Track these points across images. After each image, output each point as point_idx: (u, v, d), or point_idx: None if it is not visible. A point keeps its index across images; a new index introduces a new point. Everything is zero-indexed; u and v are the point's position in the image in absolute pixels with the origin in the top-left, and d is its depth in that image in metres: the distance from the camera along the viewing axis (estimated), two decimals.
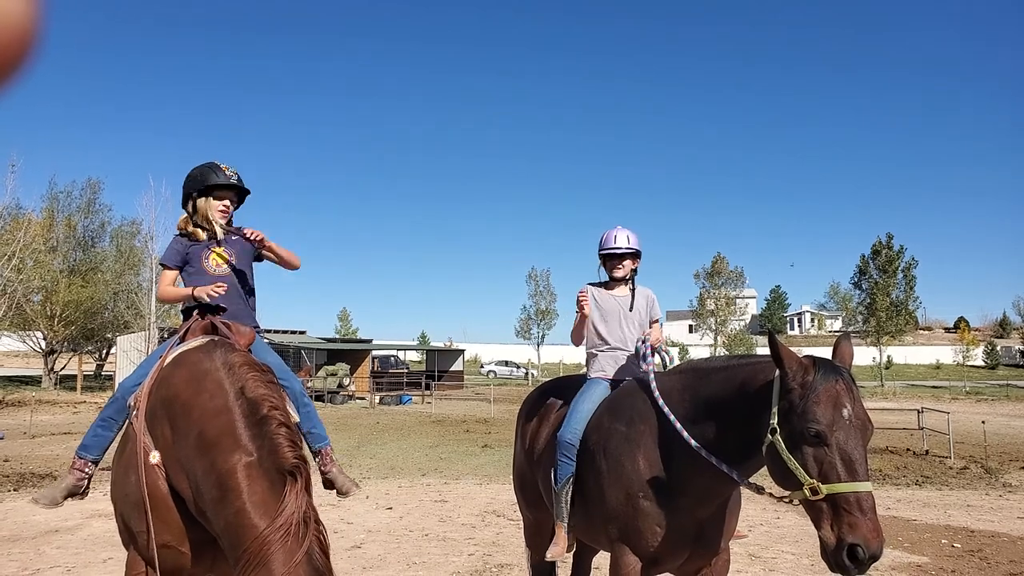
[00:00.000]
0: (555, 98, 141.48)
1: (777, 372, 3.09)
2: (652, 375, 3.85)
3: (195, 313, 3.73)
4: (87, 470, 3.61)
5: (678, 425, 3.46)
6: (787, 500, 3.01)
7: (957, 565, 7.53)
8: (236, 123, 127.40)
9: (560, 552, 4.00)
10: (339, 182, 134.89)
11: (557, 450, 4.04)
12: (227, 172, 3.91)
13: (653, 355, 4.06)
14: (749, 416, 3.18)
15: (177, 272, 3.96)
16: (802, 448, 2.90)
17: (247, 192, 4.07)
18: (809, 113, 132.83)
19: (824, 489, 2.80)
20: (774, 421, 3.01)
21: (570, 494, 3.99)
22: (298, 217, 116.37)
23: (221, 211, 3.94)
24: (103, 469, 3.70)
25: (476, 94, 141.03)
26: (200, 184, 3.91)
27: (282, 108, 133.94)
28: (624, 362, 4.31)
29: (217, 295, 3.66)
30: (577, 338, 4.53)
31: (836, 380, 2.96)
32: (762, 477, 3.37)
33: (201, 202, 3.93)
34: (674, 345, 72.67)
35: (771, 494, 3.23)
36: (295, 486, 2.75)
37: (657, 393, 3.67)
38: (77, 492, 3.62)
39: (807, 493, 2.84)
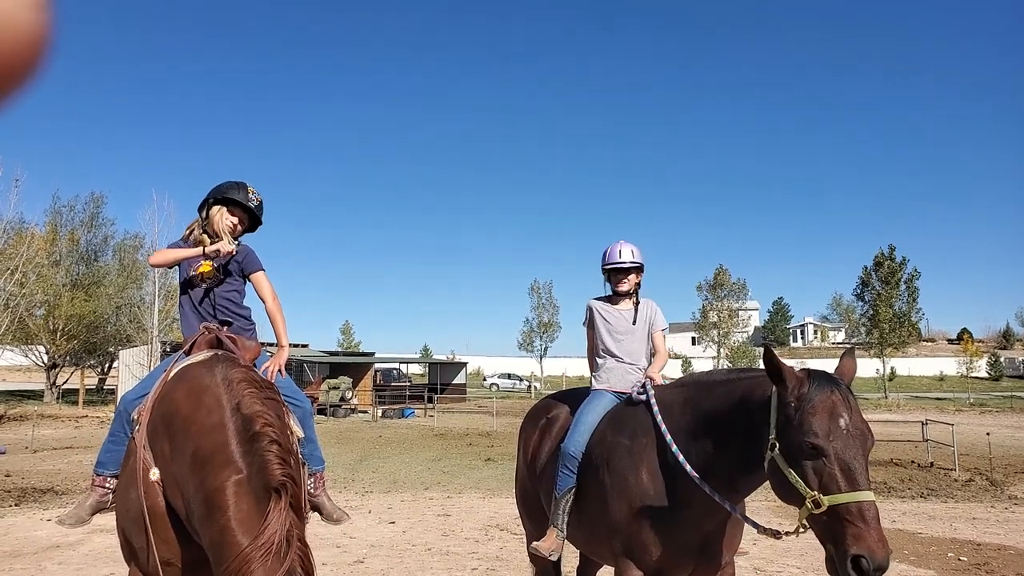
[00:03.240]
0: (557, 109, 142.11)
1: (774, 387, 3.09)
2: (651, 393, 3.86)
3: (200, 326, 3.74)
4: (108, 485, 3.64)
5: (681, 458, 3.45)
6: (800, 531, 2.95)
7: None
8: (237, 133, 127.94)
9: (547, 548, 3.99)
10: (341, 194, 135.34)
11: (559, 462, 4.03)
12: (250, 194, 4.03)
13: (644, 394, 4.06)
14: (750, 430, 3.17)
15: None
16: (801, 461, 2.88)
17: (259, 222, 4.16)
18: (811, 123, 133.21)
19: (826, 501, 2.77)
20: (772, 436, 3.00)
21: (569, 505, 3.98)
22: (300, 229, 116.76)
23: (230, 225, 3.99)
24: None
25: (477, 104, 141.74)
26: (219, 194, 4.01)
27: (285, 118, 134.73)
28: (629, 375, 4.31)
29: (230, 253, 3.85)
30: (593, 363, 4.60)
31: (832, 391, 2.95)
32: (765, 491, 3.35)
33: (215, 210, 4.01)
34: (676, 357, 72.65)
35: (787, 533, 3.15)
36: (279, 504, 2.73)
37: (657, 412, 3.67)
38: (104, 507, 3.67)
39: (810, 506, 2.81)
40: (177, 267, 4.02)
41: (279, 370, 3.85)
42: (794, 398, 2.97)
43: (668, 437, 3.54)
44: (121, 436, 3.54)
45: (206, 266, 3.89)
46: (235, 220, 4.01)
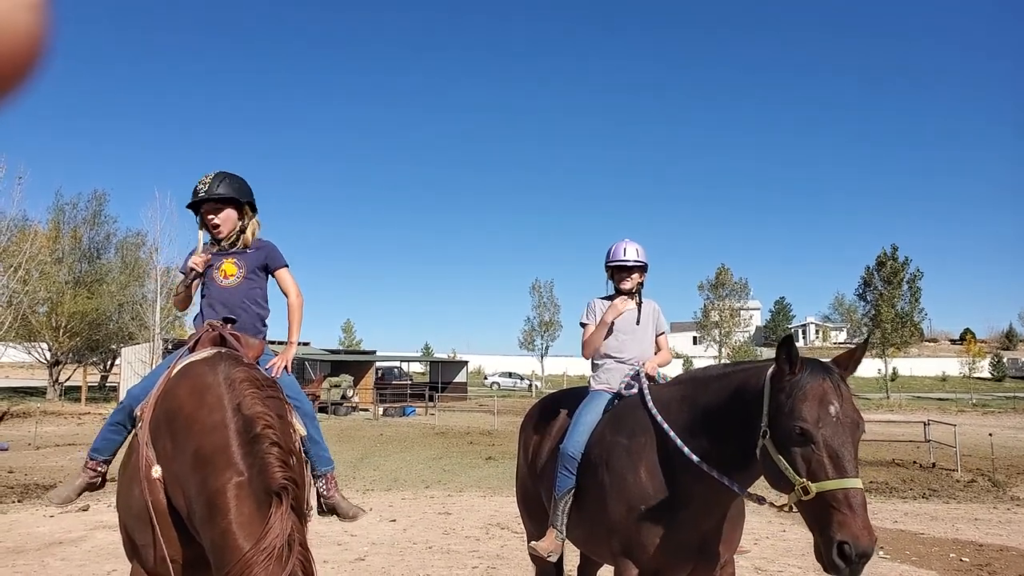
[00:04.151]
0: (557, 109, 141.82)
1: (768, 374, 3.10)
2: (647, 390, 3.86)
3: (204, 323, 3.73)
4: (100, 469, 3.74)
5: (679, 442, 3.46)
6: (786, 508, 2.99)
7: None
8: (237, 133, 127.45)
9: (545, 548, 4.00)
10: (341, 194, 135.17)
11: (558, 462, 4.03)
12: (199, 185, 3.86)
13: (633, 386, 4.06)
14: (746, 422, 3.17)
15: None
16: (790, 448, 2.90)
17: (235, 201, 3.90)
18: (811, 123, 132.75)
19: (814, 488, 2.79)
20: (764, 423, 3.02)
21: (568, 506, 3.98)
22: (302, 228, 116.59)
23: (211, 226, 3.91)
24: (109, 480, 3.74)
25: (477, 104, 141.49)
26: (190, 205, 3.94)
27: (285, 117, 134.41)
28: (629, 375, 4.30)
29: (199, 264, 3.81)
30: (590, 349, 4.47)
31: (823, 379, 2.96)
32: (763, 486, 3.36)
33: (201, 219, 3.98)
34: (678, 357, 72.59)
35: (771, 504, 3.22)
36: (281, 508, 2.73)
37: (654, 408, 3.67)
38: (93, 488, 3.77)
39: (799, 493, 2.83)
40: (192, 272, 3.93)
41: (285, 367, 3.84)
42: (786, 384, 2.98)
43: (665, 426, 3.55)
44: (122, 427, 3.56)
45: (229, 263, 3.88)
46: (209, 216, 3.88)
